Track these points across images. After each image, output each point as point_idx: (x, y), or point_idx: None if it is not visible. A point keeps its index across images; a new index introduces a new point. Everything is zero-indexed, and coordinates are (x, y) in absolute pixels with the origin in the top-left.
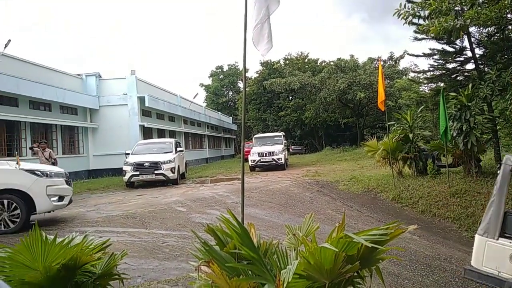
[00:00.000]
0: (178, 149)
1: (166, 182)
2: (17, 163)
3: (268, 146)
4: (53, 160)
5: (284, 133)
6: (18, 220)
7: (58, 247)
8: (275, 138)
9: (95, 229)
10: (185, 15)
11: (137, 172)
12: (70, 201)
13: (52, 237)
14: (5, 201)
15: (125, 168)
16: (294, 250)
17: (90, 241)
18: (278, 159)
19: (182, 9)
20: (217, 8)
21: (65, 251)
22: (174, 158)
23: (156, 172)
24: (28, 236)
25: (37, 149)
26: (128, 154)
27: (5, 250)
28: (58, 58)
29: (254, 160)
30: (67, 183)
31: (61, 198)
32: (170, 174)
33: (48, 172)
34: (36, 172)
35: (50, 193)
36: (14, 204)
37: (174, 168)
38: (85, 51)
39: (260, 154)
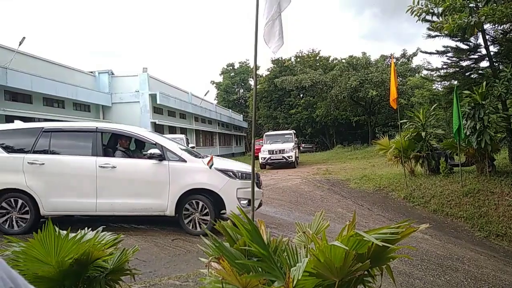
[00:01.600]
0: (190, 145)
1: None
2: (210, 162)
3: (278, 143)
4: None
5: (295, 131)
6: (207, 221)
7: (70, 242)
8: (286, 136)
9: (107, 225)
10: (196, 12)
11: None
12: (260, 205)
13: (65, 232)
14: (199, 203)
15: None
16: (304, 247)
17: (102, 237)
18: (288, 156)
19: (194, 6)
20: (229, 5)
21: (77, 246)
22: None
23: None
24: (43, 232)
25: None
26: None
27: (19, 245)
28: (70, 55)
29: (264, 158)
30: (257, 185)
31: (250, 201)
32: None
33: (240, 173)
34: (228, 172)
35: (240, 196)
36: (201, 204)
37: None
38: (97, 49)
39: (271, 152)
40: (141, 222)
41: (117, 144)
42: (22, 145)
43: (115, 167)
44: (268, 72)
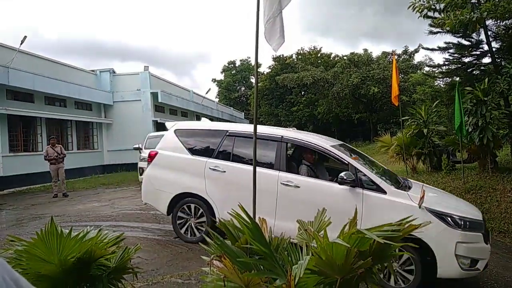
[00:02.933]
0: None
1: None
2: (421, 201)
3: None
4: (63, 156)
5: (295, 128)
6: (409, 280)
7: (73, 241)
8: None
9: (109, 223)
10: (197, 11)
11: None
12: (485, 267)
13: (67, 231)
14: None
15: (141, 164)
16: (306, 245)
17: (104, 235)
18: None
19: (195, 4)
20: (230, 3)
21: (80, 245)
22: None
23: None
24: (44, 230)
25: (48, 146)
26: (139, 148)
27: (22, 244)
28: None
29: None
30: (485, 238)
31: (474, 262)
32: None
33: (463, 220)
34: (445, 217)
35: (460, 253)
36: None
37: None
38: (98, 47)
39: None
40: (143, 220)
41: (302, 156)
42: (205, 147)
43: (298, 186)
44: (270, 70)
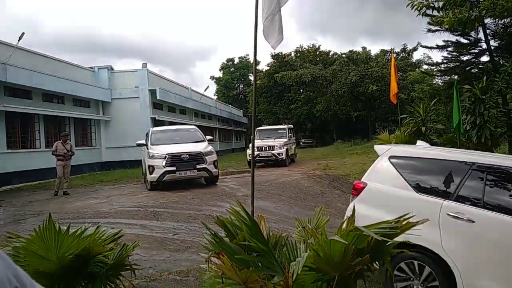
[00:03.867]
0: (208, 137)
1: (208, 180)
2: None
3: (270, 139)
4: (71, 153)
5: (292, 126)
6: None
7: (71, 238)
8: (279, 131)
9: (107, 220)
10: (196, 7)
11: (173, 168)
12: None
13: (65, 228)
14: None
15: (151, 162)
16: (304, 242)
17: (102, 232)
18: (278, 154)
19: (194, 1)
20: (228, 0)
21: (78, 241)
22: (212, 149)
23: (198, 167)
24: (42, 227)
25: (58, 142)
26: (143, 144)
27: (20, 240)
28: (69, 51)
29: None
30: None
31: None
32: (213, 170)
33: None
34: None
35: None
36: None
37: (216, 161)
38: (96, 45)
39: (259, 148)
40: (141, 217)
41: None
42: (437, 184)
43: None
44: (268, 67)
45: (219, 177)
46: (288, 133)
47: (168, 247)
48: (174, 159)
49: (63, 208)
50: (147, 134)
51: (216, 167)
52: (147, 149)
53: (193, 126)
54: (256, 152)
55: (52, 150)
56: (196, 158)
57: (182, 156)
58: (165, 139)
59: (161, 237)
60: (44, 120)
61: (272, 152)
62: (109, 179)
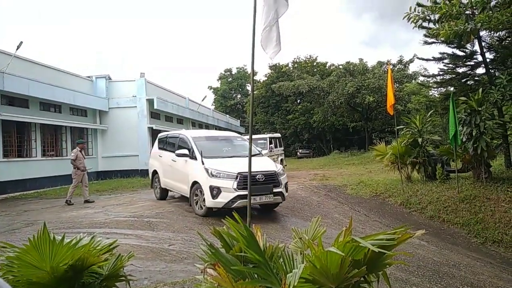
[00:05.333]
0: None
1: (275, 206)
2: None
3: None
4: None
5: (279, 135)
6: None
7: (65, 248)
8: (259, 141)
9: (102, 230)
10: (194, 18)
11: (245, 192)
12: None
13: (60, 237)
14: None
15: (214, 182)
16: (301, 254)
17: (97, 242)
18: None
19: (192, 12)
20: (227, 11)
21: (72, 251)
22: (282, 168)
23: (275, 190)
24: (36, 237)
25: (76, 150)
26: (186, 155)
27: (14, 250)
28: (69, 61)
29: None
30: None
31: None
32: (285, 194)
33: None
34: None
35: None
36: None
37: (287, 183)
38: (95, 54)
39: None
40: (137, 227)
41: None
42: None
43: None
44: (266, 78)
45: None
46: (270, 143)
47: (163, 258)
48: (246, 180)
49: (58, 218)
50: (164, 141)
51: (287, 191)
52: (201, 163)
53: (237, 134)
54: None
55: (72, 159)
56: (272, 179)
57: (257, 177)
58: (214, 150)
59: (156, 247)
60: (41, 129)
61: None
62: (105, 188)
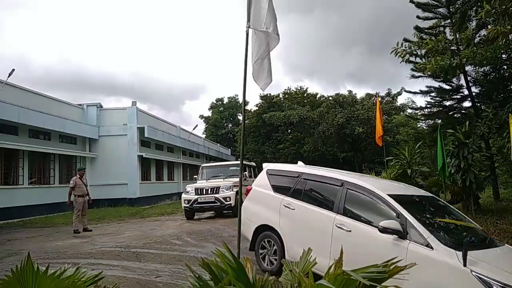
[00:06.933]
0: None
1: None
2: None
3: (217, 179)
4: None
5: (254, 164)
6: None
7: (49, 279)
8: (231, 169)
9: (88, 261)
10: (187, 46)
11: None
12: None
13: (44, 268)
14: None
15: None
16: (291, 287)
17: (82, 274)
18: (224, 198)
19: (185, 41)
20: (219, 41)
21: (56, 283)
22: None
23: None
24: (20, 267)
25: (75, 177)
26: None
27: None
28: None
29: (189, 201)
30: None
31: None
32: None
33: None
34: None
35: None
36: None
37: None
38: (85, 81)
39: (199, 191)
40: (123, 258)
41: None
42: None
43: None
44: (257, 108)
45: (207, 216)
46: (243, 172)
47: None
48: None
49: (43, 248)
50: (292, 181)
51: None
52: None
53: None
54: (193, 197)
55: (70, 186)
56: None
57: None
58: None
59: (143, 279)
60: (29, 156)
61: (216, 196)
62: (91, 217)
